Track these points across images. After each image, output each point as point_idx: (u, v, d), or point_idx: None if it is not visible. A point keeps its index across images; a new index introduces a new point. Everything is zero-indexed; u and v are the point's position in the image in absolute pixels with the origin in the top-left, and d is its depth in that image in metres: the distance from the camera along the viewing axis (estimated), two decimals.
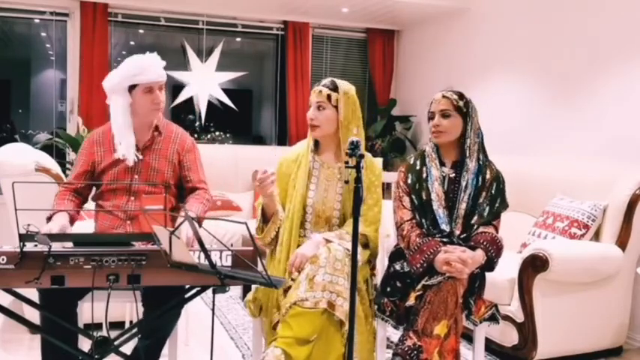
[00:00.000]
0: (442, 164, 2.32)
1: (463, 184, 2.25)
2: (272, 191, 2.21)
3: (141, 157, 2.38)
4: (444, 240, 2.21)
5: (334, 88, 2.31)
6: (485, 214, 2.26)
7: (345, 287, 2.04)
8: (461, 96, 2.28)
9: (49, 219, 2.24)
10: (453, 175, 2.29)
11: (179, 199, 2.49)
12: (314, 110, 2.31)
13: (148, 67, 2.32)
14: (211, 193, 2.51)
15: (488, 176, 2.29)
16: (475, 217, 2.25)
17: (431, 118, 2.30)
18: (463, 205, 2.24)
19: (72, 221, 2.29)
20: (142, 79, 2.32)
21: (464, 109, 2.26)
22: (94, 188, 2.47)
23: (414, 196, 2.30)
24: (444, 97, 2.27)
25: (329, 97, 2.29)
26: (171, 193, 2.45)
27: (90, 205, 2.52)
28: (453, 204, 2.26)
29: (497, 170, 2.34)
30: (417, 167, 2.33)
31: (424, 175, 2.30)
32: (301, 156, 2.38)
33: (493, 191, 2.28)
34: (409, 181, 2.32)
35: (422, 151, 2.38)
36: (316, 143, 2.40)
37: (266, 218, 2.30)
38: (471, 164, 2.26)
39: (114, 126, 2.37)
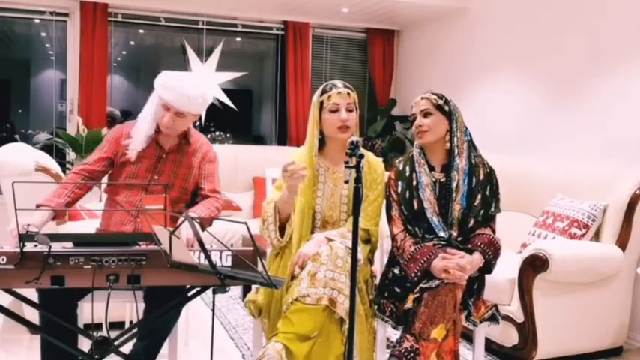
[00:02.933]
0: (431, 169, 2.29)
1: (454, 185, 2.22)
2: (299, 186, 2.19)
3: (135, 158, 2.38)
4: (442, 243, 2.20)
5: (353, 89, 2.33)
6: (480, 218, 2.25)
7: (347, 285, 2.04)
8: (440, 96, 2.28)
9: (38, 207, 2.20)
10: (444, 179, 2.26)
11: (191, 206, 2.49)
12: (346, 112, 2.27)
13: (173, 86, 2.29)
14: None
15: (481, 176, 2.26)
16: (471, 222, 2.23)
17: (413, 120, 2.31)
18: (457, 207, 2.22)
19: (54, 218, 2.25)
20: (162, 95, 2.32)
21: (445, 107, 2.26)
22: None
23: (403, 207, 2.27)
24: (422, 98, 2.29)
25: (355, 99, 2.31)
26: (185, 198, 2.47)
27: (94, 203, 2.51)
28: (446, 210, 2.24)
29: (491, 168, 2.31)
30: (407, 174, 2.30)
31: (414, 183, 2.27)
32: (304, 161, 2.32)
33: (487, 193, 2.27)
34: (399, 189, 2.29)
35: (410, 156, 2.35)
36: (320, 147, 2.37)
37: (281, 223, 2.27)
38: (461, 164, 2.24)
39: (143, 113, 2.40)
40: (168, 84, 2.30)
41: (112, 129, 2.52)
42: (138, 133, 2.38)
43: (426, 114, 2.26)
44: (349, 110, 2.28)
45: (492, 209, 2.28)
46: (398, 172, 2.33)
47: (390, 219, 2.32)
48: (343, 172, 2.32)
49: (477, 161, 2.28)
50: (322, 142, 2.37)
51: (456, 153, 2.24)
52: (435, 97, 2.27)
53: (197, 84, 2.33)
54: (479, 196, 2.24)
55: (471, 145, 2.29)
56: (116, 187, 2.42)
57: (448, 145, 2.26)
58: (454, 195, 2.22)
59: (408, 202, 2.26)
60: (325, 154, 2.38)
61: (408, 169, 2.31)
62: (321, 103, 2.30)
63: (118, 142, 2.42)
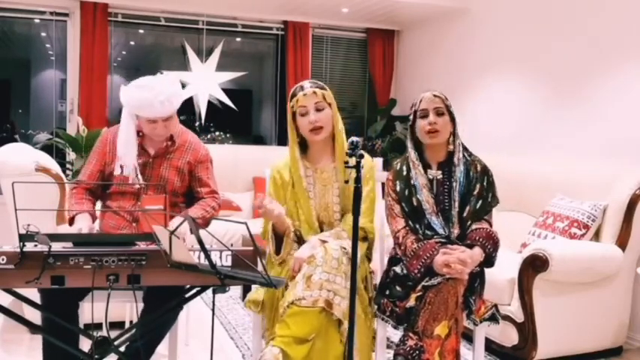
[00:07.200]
0: (428, 167, 2.29)
1: (454, 184, 2.23)
2: (279, 211, 2.16)
3: (140, 177, 2.38)
4: (442, 241, 2.20)
5: (322, 86, 2.30)
6: (478, 207, 2.24)
7: (343, 286, 2.04)
8: (445, 96, 2.28)
9: (71, 220, 2.27)
10: (441, 176, 2.27)
11: (187, 206, 2.49)
12: (314, 113, 2.25)
13: (147, 105, 2.27)
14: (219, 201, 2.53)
15: (478, 170, 2.27)
16: (467, 209, 2.23)
17: (422, 116, 2.25)
18: (456, 205, 2.23)
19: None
20: (141, 114, 2.32)
21: (450, 108, 2.26)
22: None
23: (404, 204, 2.28)
24: (435, 96, 2.25)
25: (324, 96, 2.28)
26: (178, 200, 2.46)
27: (97, 205, 2.53)
28: (444, 206, 2.24)
29: (485, 164, 2.31)
30: (405, 172, 2.30)
31: (412, 181, 2.27)
32: (291, 168, 2.33)
33: (485, 184, 2.26)
34: (397, 188, 2.29)
35: (406, 156, 2.35)
36: (304, 149, 2.36)
37: (278, 237, 2.26)
38: (459, 162, 2.25)
39: (120, 138, 2.38)
40: (140, 102, 2.27)
41: (97, 139, 2.53)
42: (124, 161, 2.37)
43: (438, 113, 2.23)
44: (319, 109, 2.26)
45: (490, 200, 2.27)
46: (395, 171, 2.33)
47: (391, 217, 2.32)
48: (331, 171, 2.33)
49: (469, 159, 2.29)
50: (306, 145, 2.37)
51: (455, 152, 2.26)
52: (444, 97, 2.25)
53: (160, 88, 2.27)
54: (478, 186, 2.24)
55: (462, 145, 2.31)
56: (109, 195, 2.44)
57: (451, 146, 2.27)
58: (454, 194, 2.22)
59: (407, 200, 2.27)
60: (308, 156, 2.37)
61: (405, 168, 2.31)
62: (292, 108, 2.29)
63: (104, 152, 2.44)
